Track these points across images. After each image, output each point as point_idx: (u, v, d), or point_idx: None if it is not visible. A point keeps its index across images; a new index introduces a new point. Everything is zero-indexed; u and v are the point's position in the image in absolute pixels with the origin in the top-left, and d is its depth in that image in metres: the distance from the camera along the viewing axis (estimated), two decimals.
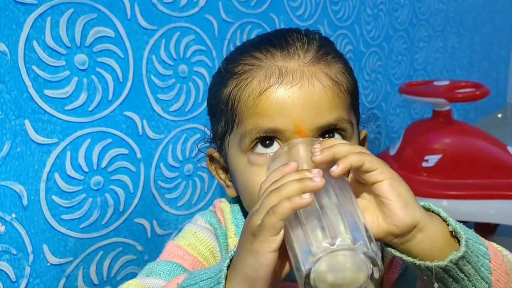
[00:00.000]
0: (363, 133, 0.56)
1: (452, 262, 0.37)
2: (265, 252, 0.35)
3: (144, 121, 0.92)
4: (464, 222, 1.40)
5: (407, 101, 1.88)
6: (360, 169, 0.37)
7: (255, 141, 0.46)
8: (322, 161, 0.37)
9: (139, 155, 0.92)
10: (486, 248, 0.40)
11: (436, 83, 1.48)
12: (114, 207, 0.89)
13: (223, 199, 0.60)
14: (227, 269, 0.38)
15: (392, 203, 0.37)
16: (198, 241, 0.53)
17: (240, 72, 0.47)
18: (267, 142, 0.46)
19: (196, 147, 0.58)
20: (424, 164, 1.43)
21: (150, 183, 0.95)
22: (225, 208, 0.57)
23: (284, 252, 0.36)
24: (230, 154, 0.50)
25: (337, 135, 0.47)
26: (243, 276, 0.36)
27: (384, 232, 0.37)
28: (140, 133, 0.92)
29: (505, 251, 0.45)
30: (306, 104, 0.44)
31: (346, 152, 0.38)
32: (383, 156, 1.58)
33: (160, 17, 0.92)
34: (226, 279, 0.38)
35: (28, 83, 0.74)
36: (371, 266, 0.34)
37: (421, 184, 1.41)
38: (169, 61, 0.95)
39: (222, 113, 0.49)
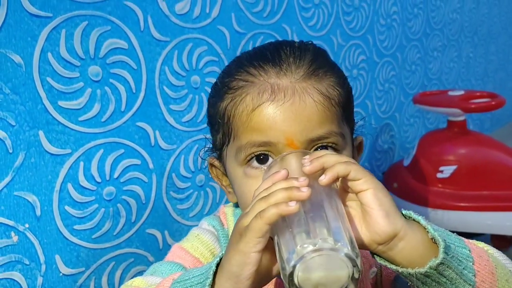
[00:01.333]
0: (358, 139, 0.57)
1: (432, 268, 0.38)
2: (250, 252, 0.37)
3: (157, 132, 0.92)
4: (480, 235, 1.37)
5: (421, 111, 1.87)
6: (346, 178, 0.40)
7: (250, 156, 0.48)
8: (311, 171, 0.40)
9: (151, 166, 0.92)
10: (470, 251, 0.41)
11: (450, 93, 1.46)
12: (126, 217, 0.89)
13: (229, 204, 0.62)
14: (217, 267, 0.41)
15: (375, 212, 0.39)
16: (200, 243, 0.56)
17: (235, 87, 0.49)
18: (262, 158, 0.48)
19: (205, 156, 0.59)
20: (439, 175, 1.41)
21: (162, 194, 0.95)
22: (228, 212, 0.60)
23: (274, 253, 0.39)
24: (228, 164, 0.52)
25: (329, 149, 0.48)
26: (228, 273, 0.39)
27: (368, 240, 0.39)
28: (153, 144, 0.92)
29: (493, 250, 0.46)
30: (297, 119, 0.46)
31: (334, 162, 0.40)
32: (396, 167, 1.56)
33: (173, 28, 0.92)
34: (215, 275, 0.40)
35: (43, 94, 0.75)
36: (352, 266, 0.36)
37: (436, 195, 1.39)
38: (182, 72, 0.95)
39: (220, 125, 0.51)
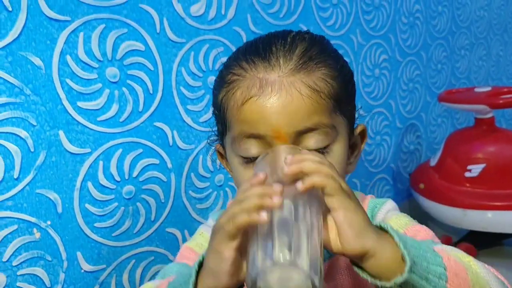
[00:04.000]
0: (359, 127, 0.57)
1: (397, 284, 0.39)
2: (223, 251, 0.39)
3: (175, 132, 0.94)
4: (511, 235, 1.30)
5: (449, 110, 1.82)
6: (322, 190, 0.40)
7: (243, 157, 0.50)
8: (289, 174, 0.40)
9: (169, 165, 0.94)
10: (445, 269, 0.41)
11: (477, 89, 1.42)
12: (145, 216, 0.91)
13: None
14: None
15: (344, 231, 0.39)
16: (205, 240, 0.56)
17: (229, 81, 0.51)
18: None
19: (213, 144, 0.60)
20: (467, 174, 1.37)
21: (181, 193, 0.96)
22: None
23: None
24: (227, 153, 0.54)
25: (318, 135, 0.48)
26: (208, 269, 0.40)
27: (342, 251, 0.40)
28: (171, 144, 0.93)
29: (479, 266, 0.44)
30: (284, 112, 0.47)
31: (313, 170, 0.40)
32: (423, 167, 1.53)
33: (189, 30, 0.94)
34: (198, 272, 0.42)
35: (62, 95, 0.78)
36: (311, 284, 0.36)
37: (465, 195, 1.35)
38: (198, 73, 0.97)
39: (218, 116, 0.54)
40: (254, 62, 0.49)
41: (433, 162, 1.48)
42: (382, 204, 0.56)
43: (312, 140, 0.48)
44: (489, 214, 1.30)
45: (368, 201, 0.57)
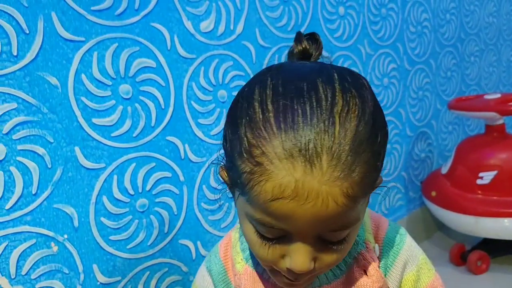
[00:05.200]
0: (378, 180, 0.51)
1: None
2: None
3: (186, 145, 0.96)
4: None
5: (461, 118, 1.82)
6: None
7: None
8: None
9: (182, 178, 0.96)
10: None
11: (486, 96, 1.43)
12: (159, 228, 0.93)
13: (236, 226, 0.62)
14: None
15: None
16: None
17: (257, 163, 0.43)
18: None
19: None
20: (478, 182, 1.37)
21: (193, 205, 0.98)
22: (235, 235, 0.61)
23: None
24: (237, 200, 0.50)
25: (341, 232, 0.46)
26: None
27: None
28: (183, 157, 0.96)
29: None
30: (315, 219, 0.43)
31: None
32: (434, 175, 1.53)
33: (199, 46, 0.97)
34: None
35: (78, 113, 0.81)
36: None
37: (476, 203, 1.35)
38: (209, 87, 0.99)
39: (233, 171, 0.47)
40: (292, 156, 0.41)
41: (444, 170, 1.48)
42: (397, 253, 0.55)
43: (334, 236, 0.46)
44: (502, 221, 1.29)
45: (383, 235, 0.56)
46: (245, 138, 0.44)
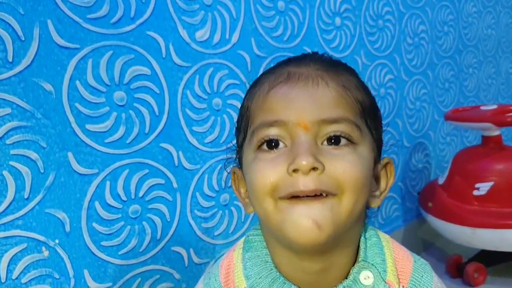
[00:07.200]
0: (385, 160, 0.54)
1: None
2: None
3: (180, 153, 0.97)
4: None
5: (459, 129, 1.82)
6: None
7: (261, 141, 0.48)
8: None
9: (175, 185, 0.96)
10: None
11: (483, 107, 1.43)
12: (151, 235, 0.93)
13: (238, 245, 0.59)
14: None
15: None
16: None
17: (257, 81, 0.53)
18: (272, 144, 0.48)
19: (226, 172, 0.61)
20: (475, 193, 1.37)
21: (186, 212, 0.99)
22: (237, 257, 0.57)
23: None
24: (244, 157, 0.52)
25: (343, 140, 0.46)
26: None
27: None
28: (176, 164, 0.96)
29: None
30: (309, 99, 0.46)
31: None
32: (431, 185, 1.53)
33: (194, 54, 0.98)
34: None
35: (71, 118, 0.82)
36: None
37: (473, 214, 1.34)
38: (203, 95, 1.00)
39: (241, 120, 0.53)
40: (285, 63, 0.51)
41: (441, 181, 1.48)
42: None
43: (335, 128, 0.46)
44: (498, 232, 1.29)
45: (409, 276, 0.54)
46: (246, 94, 0.54)
